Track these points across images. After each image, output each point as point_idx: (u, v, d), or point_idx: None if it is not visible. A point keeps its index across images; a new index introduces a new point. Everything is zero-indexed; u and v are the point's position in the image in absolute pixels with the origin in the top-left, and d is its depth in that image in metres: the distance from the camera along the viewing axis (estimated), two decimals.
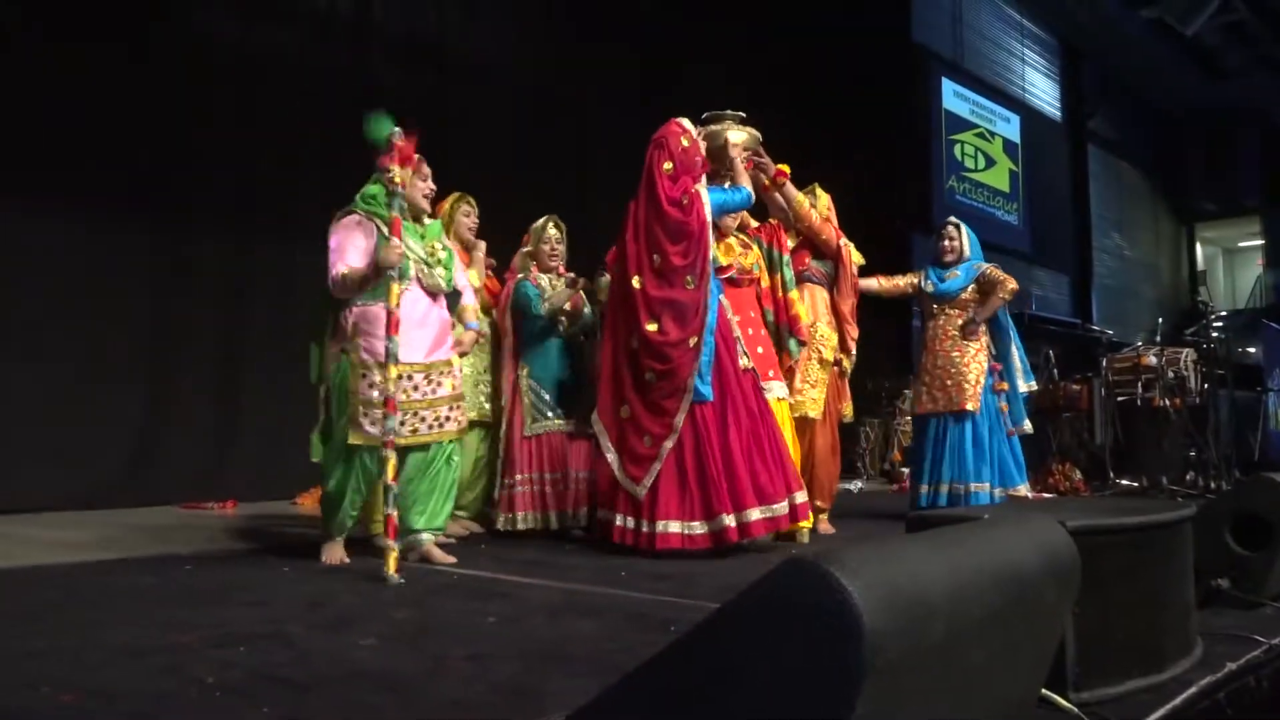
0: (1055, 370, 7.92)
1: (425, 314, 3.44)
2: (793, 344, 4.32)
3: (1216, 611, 2.44)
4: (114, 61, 5.18)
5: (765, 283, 4.31)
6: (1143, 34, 13.44)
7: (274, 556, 3.53)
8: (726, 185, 4.01)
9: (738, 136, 4.16)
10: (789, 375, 4.33)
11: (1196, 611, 2.10)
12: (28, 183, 4.90)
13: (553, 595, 2.83)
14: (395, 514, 3.05)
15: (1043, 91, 14.70)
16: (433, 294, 3.47)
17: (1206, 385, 7.09)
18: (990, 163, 13.09)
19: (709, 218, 3.75)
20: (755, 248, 4.31)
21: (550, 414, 4.28)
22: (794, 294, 4.36)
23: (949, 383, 4.89)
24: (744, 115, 4.28)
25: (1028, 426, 5.05)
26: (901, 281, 5.16)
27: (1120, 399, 7.28)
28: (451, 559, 3.44)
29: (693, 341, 3.62)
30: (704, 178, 3.83)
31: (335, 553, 3.41)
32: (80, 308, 5.08)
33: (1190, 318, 11.45)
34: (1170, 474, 6.76)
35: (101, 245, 5.21)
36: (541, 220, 4.49)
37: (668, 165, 3.79)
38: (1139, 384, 7.05)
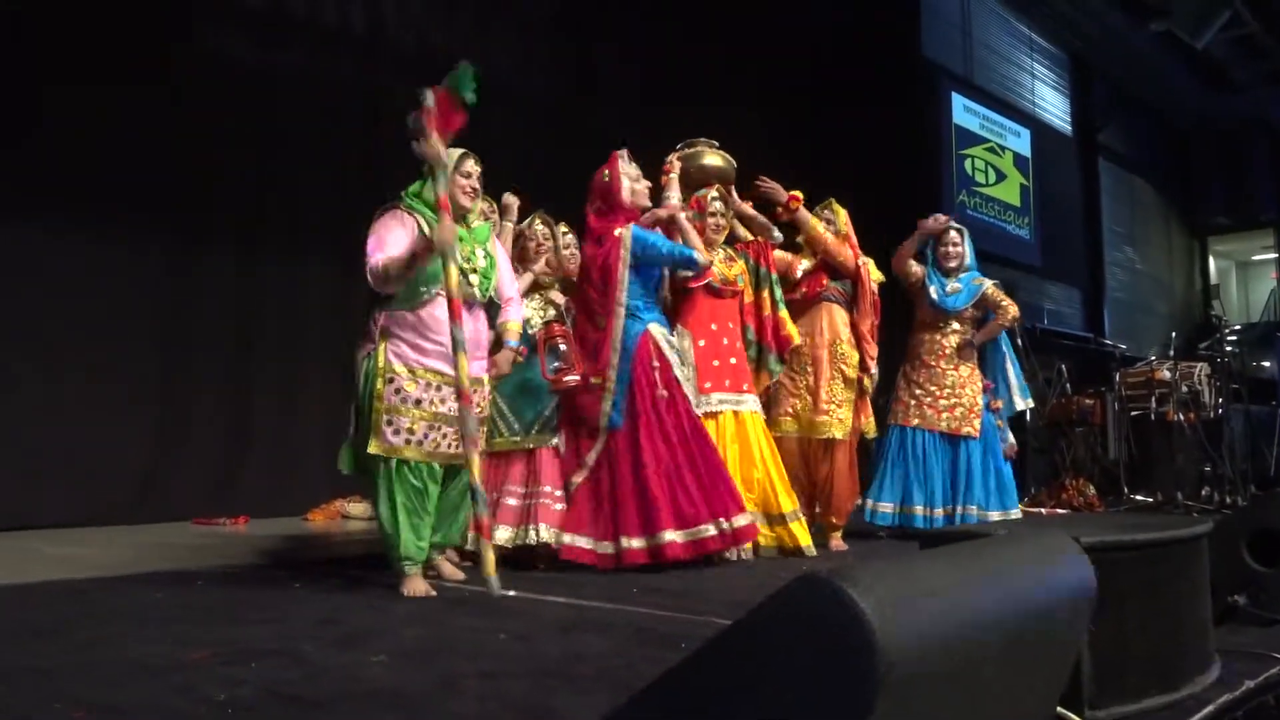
0: (1068, 384, 7.89)
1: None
2: (773, 363, 4.32)
3: (1234, 629, 2.42)
4: (127, 82, 5.22)
5: (749, 298, 4.31)
6: (1152, 48, 13.45)
7: (285, 573, 3.54)
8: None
9: (712, 162, 4.27)
10: (813, 395, 4.41)
11: (1214, 629, 2.08)
12: (43, 204, 4.94)
13: (564, 612, 2.83)
14: (485, 514, 3.07)
15: (1053, 106, 14.70)
16: (467, 303, 3.20)
17: (1221, 400, 7.06)
18: (1001, 177, 13.08)
19: (625, 260, 3.77)
20: (741, 261, 4.32)
21: (508, 431, 3.86)
22: (784, 313, 4.37)
23: (944, 403, 4.80)
24: (717, 143, 4.34)
25: (1012, 440, 5.05)
26: (916, 268, 4.96)
27: (1134, 414, 7.25)
28: (460, 574, 3.39)
29: (595, 381, 3.72)
30: (633, 222, 3.89)
31: (417, 585, 3.08)
32: (94, 325, 5.11)
33: (1204, 331, 11.40)
34: (1185, 489, 6.72)
35: (115, 264, 5.24)
36: (528, 219, 4.18)
37: (597, 202, 3.92)
38: (1153, 398, 7.02)
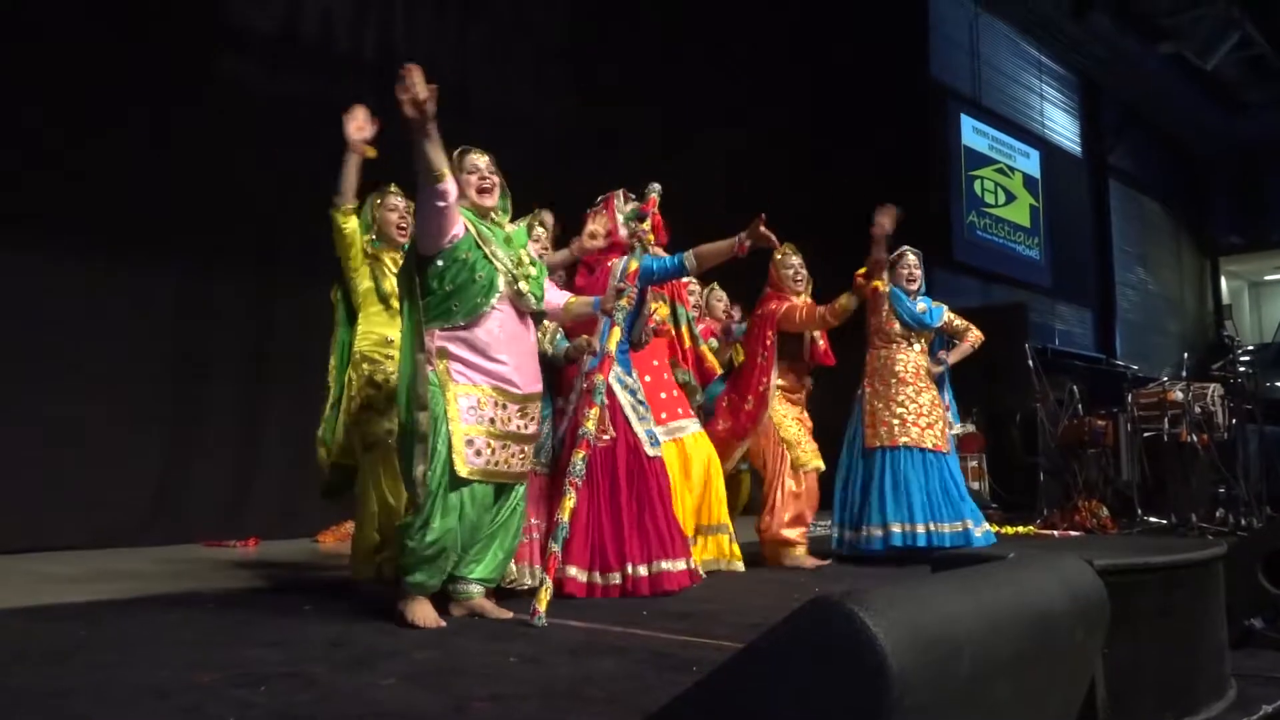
0: (1080, 406, 7.85)
1: (515, 335, 3.06)
2: (699, 395, 4.55)
3: (1251, 652, 2.40)
4: (145, 109, 5.29)
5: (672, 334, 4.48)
6: (1161, 69, 13.48)
7: (295, 595, 3.53)
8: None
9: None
10: (808, 430, 4.71)
11: (1230, 652, 2.06)
12: (56, 229, 5.00)
13: (574, 635, 2.82)
14: (558, 549, 3.10)
15: (1062, 127, 14.73)
16: (519, 312, 3.07)
17: (1234, 420, 7.01)
18: (1011, 198, 13.10)
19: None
20: (662, 302, 4.43)
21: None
22: (704, 348, 4.59)
23: (924, 420, 4.81)
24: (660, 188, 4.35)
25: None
26: (882, 287, 4.88)
27: (1147, 435, 7.21)
28: (508, 614, 3.07)
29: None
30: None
31: (426, 613, 2.93)
32: (106, 348, 5.14)
33: (1216, 352, 11.32)
34: (1199, 511, 6.67)
35: (127, 287, 5.28)
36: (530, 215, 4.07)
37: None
38: (1165, 419, 6.98)
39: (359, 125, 3.55)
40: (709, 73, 8.35)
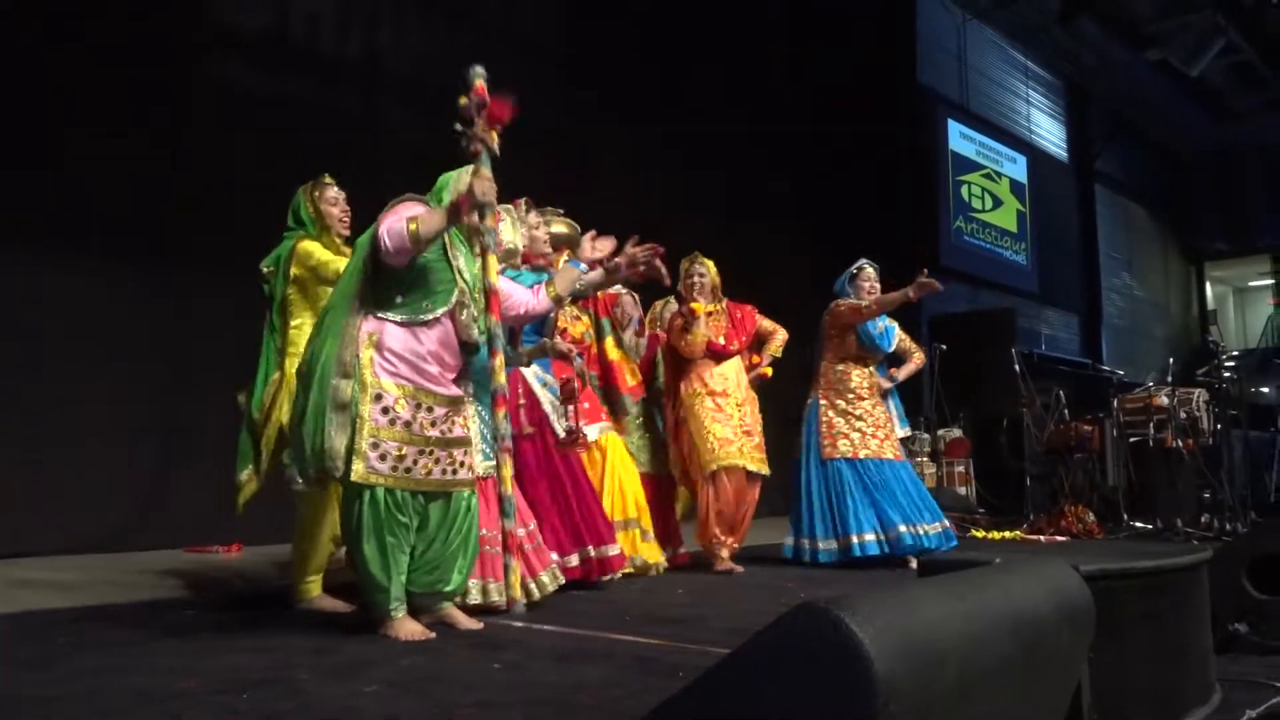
0: (1066, 411, 7.90)
1: (452, 344, 3.02)
2: (629, 405, 4.71)
3: (1235, 657, 2.41)
4: (132, 111, 5.26)
5: (595, 349, 4.67)
6: (1148, 75, 13.58)
7: (279, 601, 3.52)
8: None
9: (558, 230, 4.45)
10: (750, 433, 4.72)
11: (1215, 657, 2.08)
12: (44, 231, 4.95)
13: (560, 641, 2.82)
14: (513, 527, 3.00)
15: (1049, 133, 14.82)
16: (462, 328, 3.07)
17: (1219, 426, 7.06)
18: (997, 203, 13.17)
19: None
20: (586, 317, 4.60)
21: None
22: (616, 356, 4.72)
23: (882, 433, 4.99)
24: (562, 211, 4.58)
25: None
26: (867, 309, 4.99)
27: (1132, 440, 7.25)
28: (478, 624, 3.02)
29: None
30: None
31: (411, 627, 2.85)
32: (91, 351, 5.10)
33: (1201, 357, 11.40)
34: (1185, 516, 6.71)
35: (112, 292, 5.24)
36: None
37: None
38: (1151, 425, 7.02)
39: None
40: (697, 78, 8.37)
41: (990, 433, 9.11)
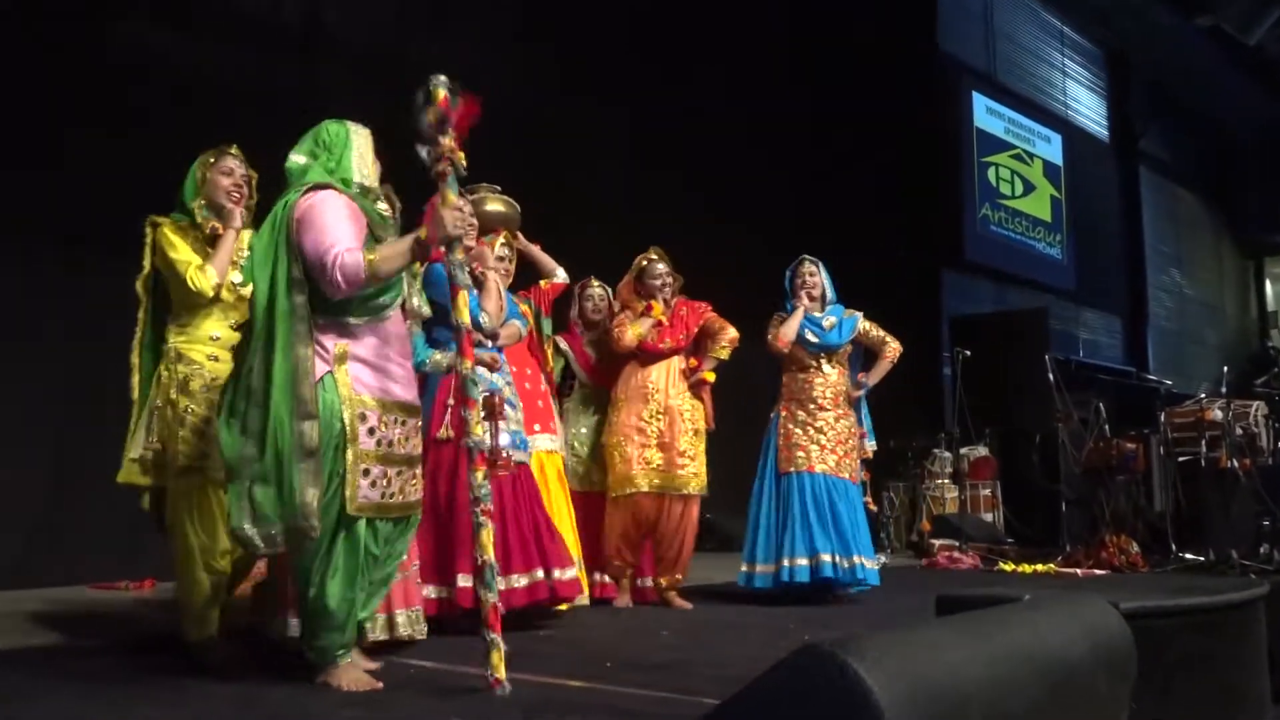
0: (1106, 426, 7.95)
1: (405, 339, 3.07)
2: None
3: None
4: (35, 79, 5.24)
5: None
6: (1199, 44, 13.70)
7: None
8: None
9: (495, 208, 4.57)
10: (668, 449, 4.79)
11: (1272, 704, 2.10)
12: None
13: (527, 692, 2.81)
14: (494, 598, 2.81)
15: (1087, 108, 14.94)
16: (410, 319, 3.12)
17: None
18: (1029, 188, 13.26)
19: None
20: (525, 306, 4.66)
21: None
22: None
23: (842, 449, 5.07)
24: (499, 188, 4.65)
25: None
26: (789, 334, 5.11)
27: (1181, 459, 7.31)
28: (376, 685, 2.87)
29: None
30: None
31: (357, 676, 2.83)
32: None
33: (1260, 365, 11.54)
34: (1240, 546, 6.77)
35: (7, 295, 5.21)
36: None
37: None
38: (1203, 442, 7.08)
39: None
40: (690, 46, 8.38)
41: (1020, 451, 9.15)
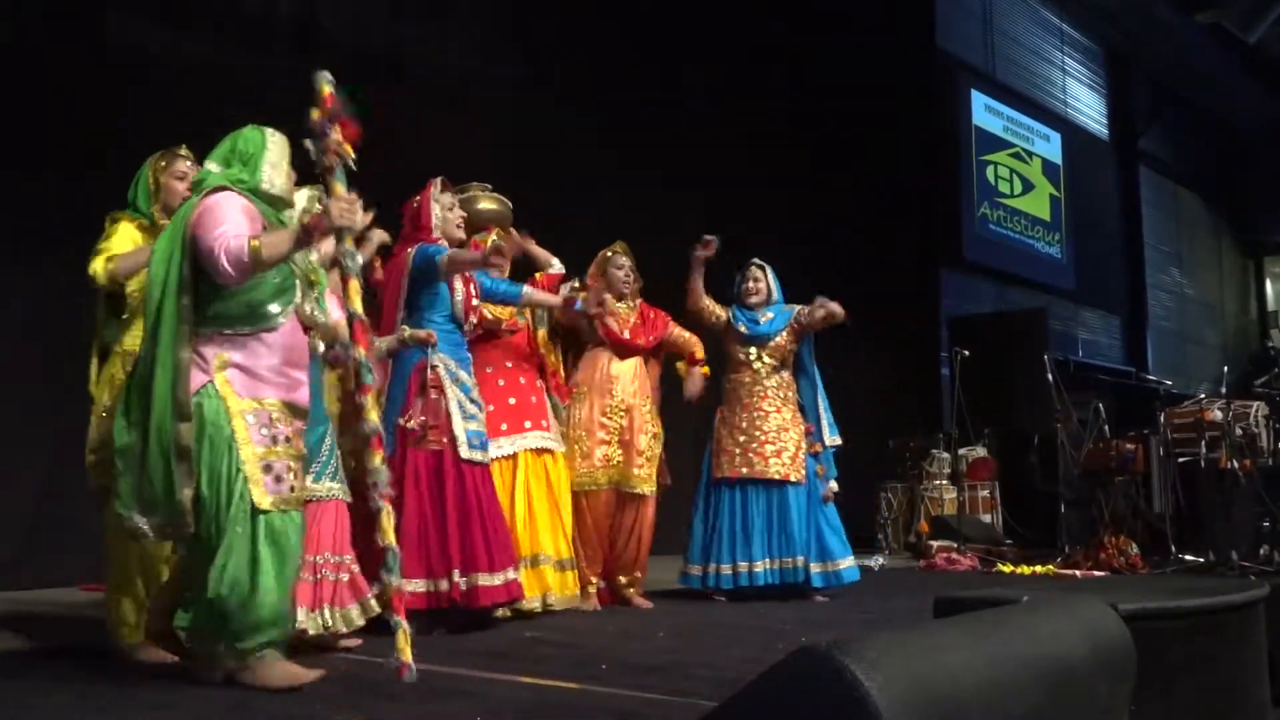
0: (1106, 427, 7.96)
1: (301, 345, 3.10)
2: (555, 404, 4.79)
3: None
4: (35, 79, 5.24)
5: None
6: (1199, 42, 13.71)
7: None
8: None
9: (487, 207, 4.65)
10: (627, 446, 4.82)
11: (1272, 708, 2.10)
12: None
13: (521, 694, 2.81)
14: (396, 580, 2.91)
15: (1087, 106, 14.95)
16: (305, 325, 3.14)
17: None
18: (1028, 187, 13.27)
19: (409, 275, 4.13)
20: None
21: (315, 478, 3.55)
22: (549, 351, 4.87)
23: (770, 448, 5.10)
24: (490, 186, 4.73)
25: (835, 486, 5.33)
26: (720, 311, 5.28)
27: (1181, 460, 7.31)
28: (316, 675, 2.93)
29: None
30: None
31: (290, 669, 2.86)
32: None
33: (1260, 366, 11.54)
34: (1241, 548, 6.77)
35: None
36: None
37: (406, 227, 4.28)
38: (1203, 443, 7.08)
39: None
40: (684, 43, 8.38)
41: (1019, 452, 9.15)
